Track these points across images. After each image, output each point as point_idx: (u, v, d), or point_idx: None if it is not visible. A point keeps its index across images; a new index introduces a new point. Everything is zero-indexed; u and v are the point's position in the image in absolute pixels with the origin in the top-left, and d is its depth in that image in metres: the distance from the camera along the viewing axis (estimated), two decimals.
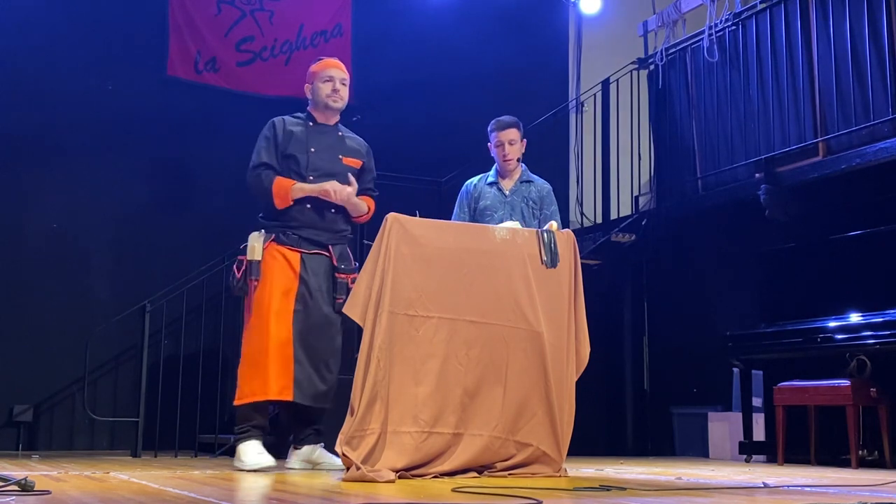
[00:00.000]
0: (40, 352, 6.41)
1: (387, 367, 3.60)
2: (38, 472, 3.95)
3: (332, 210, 4.49)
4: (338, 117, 4.66)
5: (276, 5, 7.62)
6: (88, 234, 6.75)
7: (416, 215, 3.87)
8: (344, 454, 3.49)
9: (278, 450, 4.61)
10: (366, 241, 4.11)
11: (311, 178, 4.44)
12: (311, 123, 4.57)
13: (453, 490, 3.03)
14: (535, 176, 5.03)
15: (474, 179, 5.06)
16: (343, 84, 4.59)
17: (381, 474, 3.40)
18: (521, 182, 4.96)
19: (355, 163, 4.61)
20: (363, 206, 4.60)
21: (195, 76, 7.27)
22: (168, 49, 7.18)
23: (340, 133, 4.65)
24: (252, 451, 4.23)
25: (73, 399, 6.50)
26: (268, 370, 4.25)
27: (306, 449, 4.44)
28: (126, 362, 6.66)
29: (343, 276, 4.47)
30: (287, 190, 4.39)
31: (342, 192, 4.45)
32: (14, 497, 2.61)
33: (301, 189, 4.41)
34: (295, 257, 4.39)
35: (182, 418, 6.04)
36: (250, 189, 4.50)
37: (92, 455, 5.96)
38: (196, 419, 6.08)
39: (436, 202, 6.87)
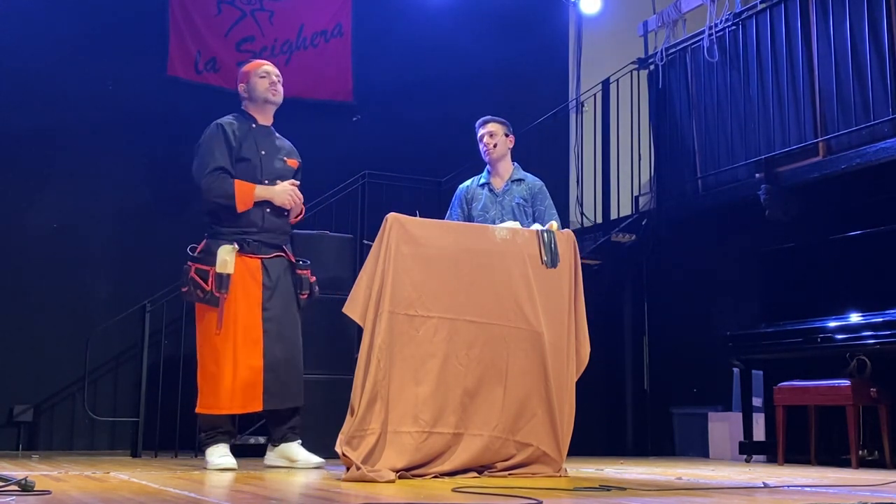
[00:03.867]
0: (40, 352, 6.41)
1: (387, 367, 3.60)
2: (39, 472, 3.95)
3: (285, 213, 4.52)
4: (272, 118, 4.64)
5: (276, 5, 7.62)
6: (89, 233, 6.75)
7: (416, 215, 3.87)
8: (344, 454, 3.49)
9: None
10: (366, 242, 4.10)
11: (265, 181, 4.45)
12: (253, 125, 4.54)
13: (453, 490, 3.03)
14: (527, 174, 5.04)
15: (467, 182, 5.10)
16: (279, 80, 4.60)
17: (382, 474, 3.40)
18: (513, 181, 4.98)
19: (294, 163, 4.64)
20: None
21: (195, 76, 7.27)
22: (168, 49, 7.18)
23: (276, 134, 4.65)
24: (216, 454, 4.30)
25: (74, 399, 6.49)
26: (234, 385, 4.26)
27: (284, 447, 4.47)
28: (126, 362, 6.66)
29: (303, 271, 4.53)
30: (249, 195, 4.36)
31: (297, 196, 4.49)
32: (14, 497, 2.61)
33: (267, 192, 4.39)
34: (255, 265, 4.38)
35: (182, 418, 6.03)
36: (208, 192, 4.35)
37: (92, 455, 5.96)
38: (196, 419, 6.07)
39: (435, 202, 6.87)
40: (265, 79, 4.55)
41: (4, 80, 6.58)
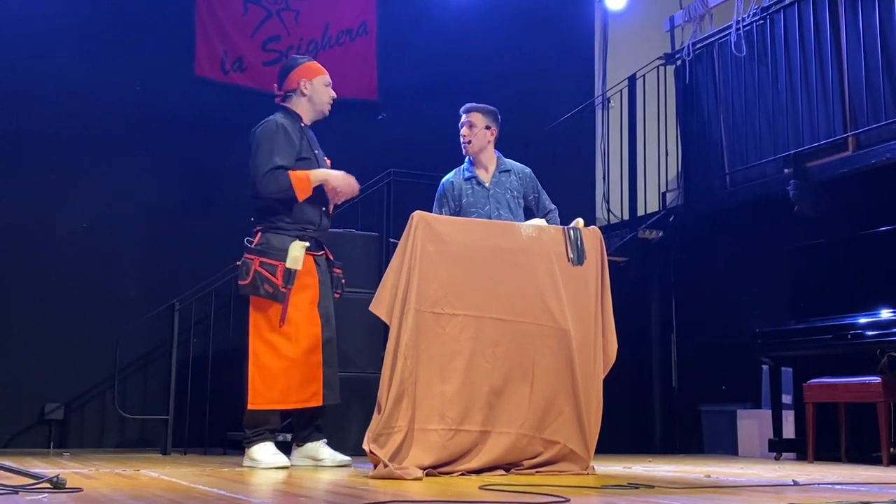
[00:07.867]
0: (71, 350, 6.48)
1: (413, 365, 3.60)
2: (70, 469, 3.99)
3: (330, 210, 4.54)
4: None
5: (301, 4, 7.65)
6: (118, 233, 6.81)
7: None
8: (371, 451, 3.50)
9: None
10: (391, 240, 4.12)
11: None
12: (302, 125, 4.53)
13: (480, 488, 3.03)
14: (511, 162, 4.80)
15: (449, 176, 4.83)
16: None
17: (409, 472, 3.40)
18: (500, 172, 4.74)
19: (328, 163, 4.65)
20: None
21: (222, 76, 7.31)
22: (195, 49, 7.23)
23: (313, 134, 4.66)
24: (268, 452, 4.28)
25: (104, 397, 6.56)
26: (297, 379, 4.28)
27: (310, 445, 4.48)
28: (156, 360, 6.71)
29: (338, 270, 4.56)
30: (306, 181, 4.32)
31: (355, 183, 4.47)
32: (46, 494, 2.64)
33: (323, 174, 4.37)
34: (310, 261, 4.40)
35: (211, 416, 6.09)
36: (266, 191, 4.30)
37: (122, 453, 6.01)
38: (225, 416, 6.12)
39: None
40: (328, 89, 4.56)
41: (33, 81, 6.64)
